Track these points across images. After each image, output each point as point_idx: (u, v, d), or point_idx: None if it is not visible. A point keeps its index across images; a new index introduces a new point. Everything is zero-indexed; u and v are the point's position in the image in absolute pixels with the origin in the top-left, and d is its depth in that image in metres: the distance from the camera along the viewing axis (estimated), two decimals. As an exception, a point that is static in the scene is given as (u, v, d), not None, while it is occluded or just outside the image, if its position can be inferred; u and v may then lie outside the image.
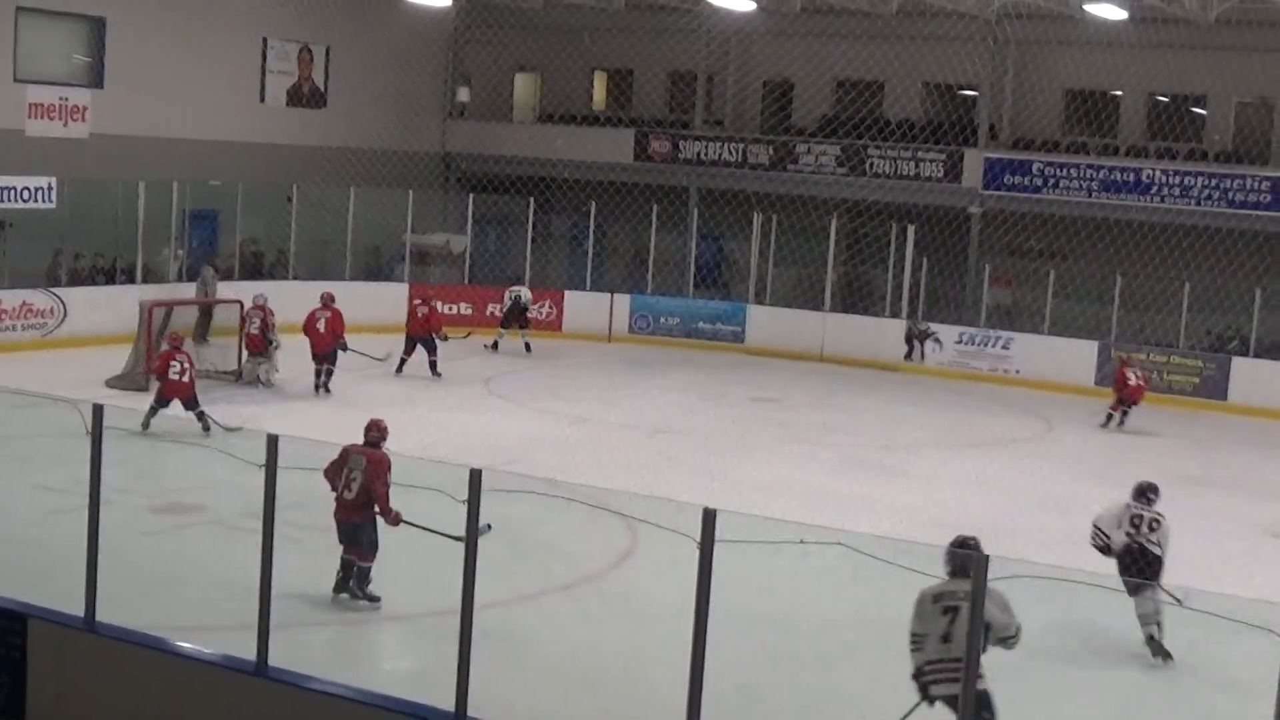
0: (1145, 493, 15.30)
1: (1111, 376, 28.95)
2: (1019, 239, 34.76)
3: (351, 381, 26.81)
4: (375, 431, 14.66)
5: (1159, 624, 14.22)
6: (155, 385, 22.34)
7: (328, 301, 26.88)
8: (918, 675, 10.82)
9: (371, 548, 14.25)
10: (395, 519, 13.97)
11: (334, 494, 14.23)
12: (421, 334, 28.77)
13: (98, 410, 11.18)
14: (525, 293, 33.38)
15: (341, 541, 14.33)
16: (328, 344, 26.57)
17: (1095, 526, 15.35)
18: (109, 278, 31.40)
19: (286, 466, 10.41)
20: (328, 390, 26.45)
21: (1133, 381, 27.79)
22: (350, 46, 38.14)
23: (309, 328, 26.60)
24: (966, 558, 9.90)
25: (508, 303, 33.15)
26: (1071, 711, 13.19)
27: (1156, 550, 14.87)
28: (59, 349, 27.89)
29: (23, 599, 11.49)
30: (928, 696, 10.69)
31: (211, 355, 27.03)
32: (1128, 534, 15.04)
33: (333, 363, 26.64)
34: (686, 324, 35.70)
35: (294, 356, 26.60)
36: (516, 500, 11.41)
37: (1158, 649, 14.14)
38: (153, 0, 33.15)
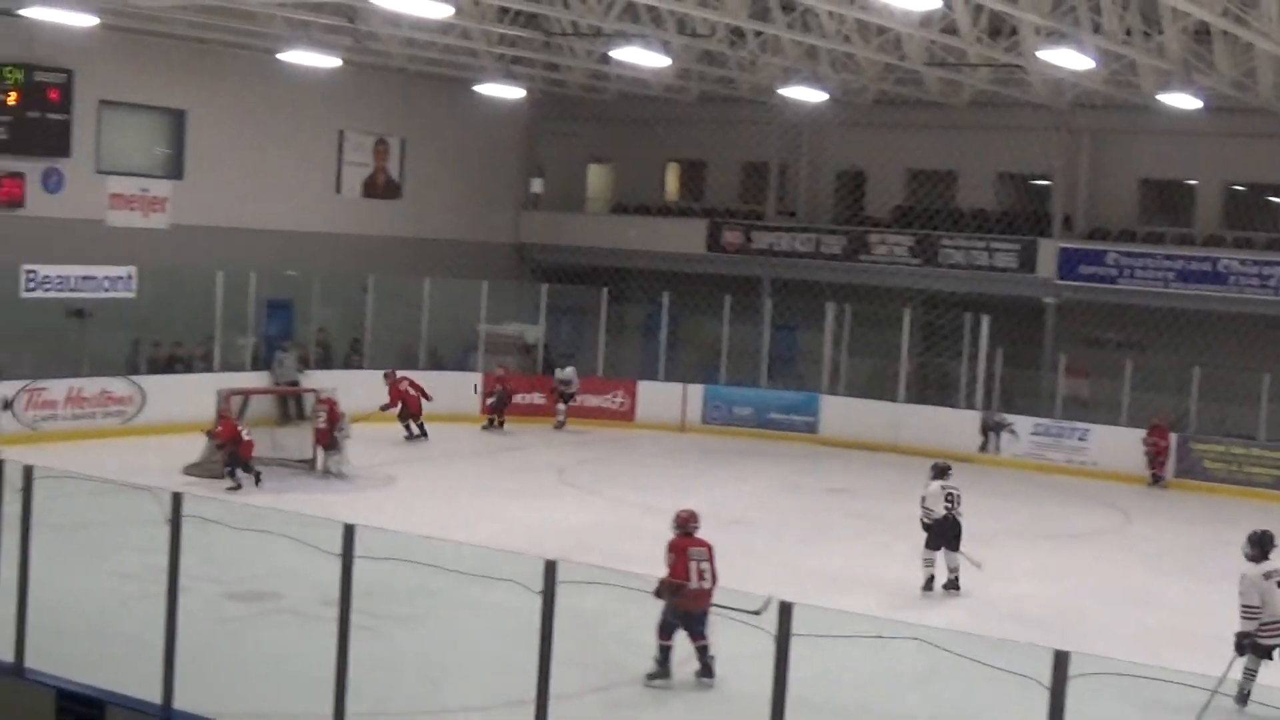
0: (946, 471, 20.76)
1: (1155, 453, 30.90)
2: (1095, 329, 34.57)
3: (420, 472, 26.86)
4: (695, 521, 15.49)
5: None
6: (218, 449, 24.94)
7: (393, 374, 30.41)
8: (1250, 636, 14.91)
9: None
10: None
11: (679, 589, 14.69)
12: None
13: (177, 498, 11.26)
14: (559, 373, 34.75)
15: (687, 629, 14.74)
16: (417, 406, 30.87)
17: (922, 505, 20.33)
18: (186, 366, 31.64)
19: (362, 556, 10.44)
20: (424, 434, 30.63)
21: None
22: (425, 138, 38.49)
23: (400, 396, 30.39)
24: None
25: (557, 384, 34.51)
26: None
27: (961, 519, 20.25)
28: (137, 436, 28.09)
29: (101, 685, 11.55)
30: (1264, 650, 14.91)
31: (289, 442, 27.16)
32: (945, 508, 20.22)
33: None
34: (760, 414, 35.61)
35: (366, 446, 26.71)
36: (590, 591, 11.38)
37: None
38: (232, 93, 33.63)
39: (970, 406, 34.06)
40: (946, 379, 35.54)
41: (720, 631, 14.52)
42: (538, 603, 9.84)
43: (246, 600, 17.24)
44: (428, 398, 31.11)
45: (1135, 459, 31.40)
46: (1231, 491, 28.60)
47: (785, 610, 9.18)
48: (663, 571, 15.14)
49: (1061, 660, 8.67)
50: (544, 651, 9.81)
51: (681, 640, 14.80)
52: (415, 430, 30.80)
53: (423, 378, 32.05)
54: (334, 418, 26.39)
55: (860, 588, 19.88)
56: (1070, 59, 26.01)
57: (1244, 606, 15.17)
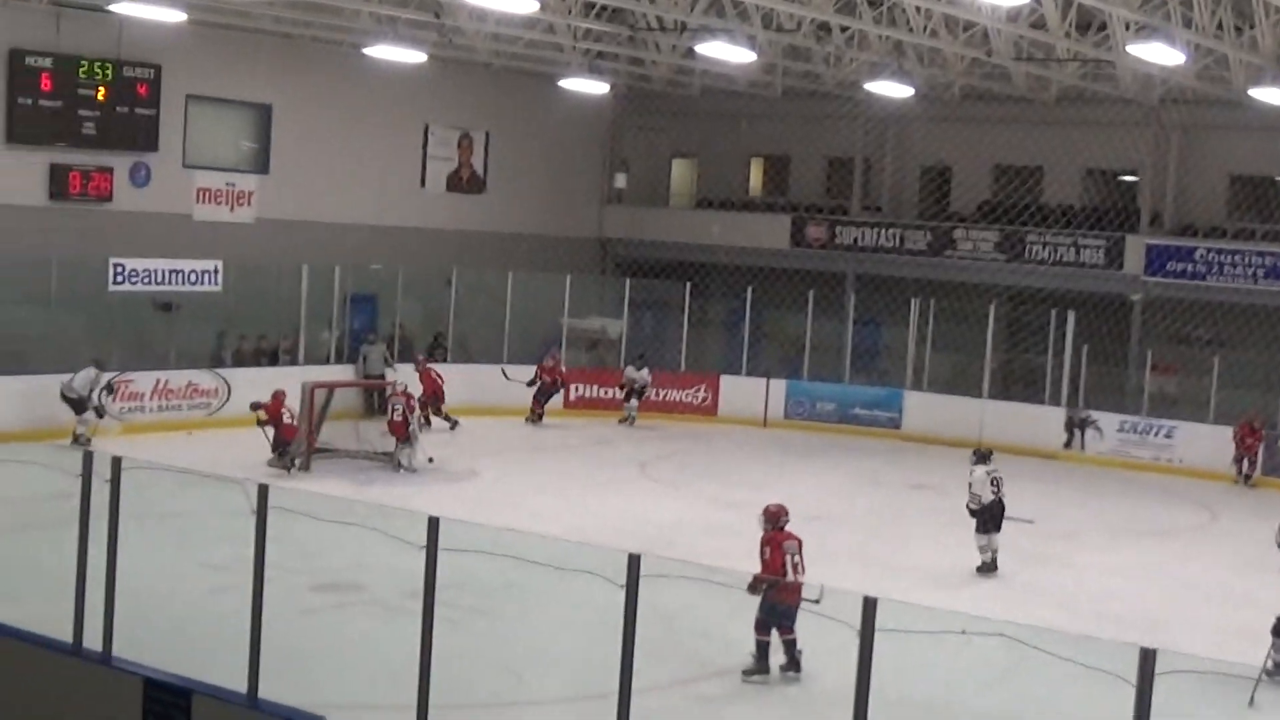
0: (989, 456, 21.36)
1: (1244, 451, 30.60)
2: (1182, 326, 34.24)
3: (503, 465, 26.93)
4: (786, 515, 15.57)
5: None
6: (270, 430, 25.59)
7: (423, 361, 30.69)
8: None
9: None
10: None
11: (768, 582, 14.75)
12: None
13: (263, 490, 11.33)
14: (631, 371, 34.44)
15: (778, 624, 14.76)
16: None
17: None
18: (271, 359, 31.84)
19: (446, 548, 10.47)
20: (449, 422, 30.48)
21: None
22: (509, 133, 38.58)
23: (432, 385, 30.68)
24: None
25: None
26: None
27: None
28: (223, 428, 28.27)
29: (187, 674, 11.63)
30: None
31: (372, 435, 27.24)
32: (993, 493, 20.86)
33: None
34: (842, 409, 35.49)
35: (449, 438, 26.78)
36: (674, 585, 11.38)
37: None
38: (317, 88, 33.80)
39: (1055, 403, 33.82)
40: (1031, 375, 35.30)
41: (802, 625, 14.50)
42: (620, 596, 9.84)
43: (331, 591, 17.34)
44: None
45: (1222, 457, 31.08)
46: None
47: (869, 605, 9.14)
48: (747, 566, 15.14)
49: (1148, 658, 8.59)
50: (626, 645, 9.81)
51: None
52: (442, 420, 30.86)
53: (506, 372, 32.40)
54: (409, 411, 26.49)
55: (943, 584, 19.79)
56: (1160, 54, 25.75)
57: None
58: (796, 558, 15.08)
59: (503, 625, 16.20)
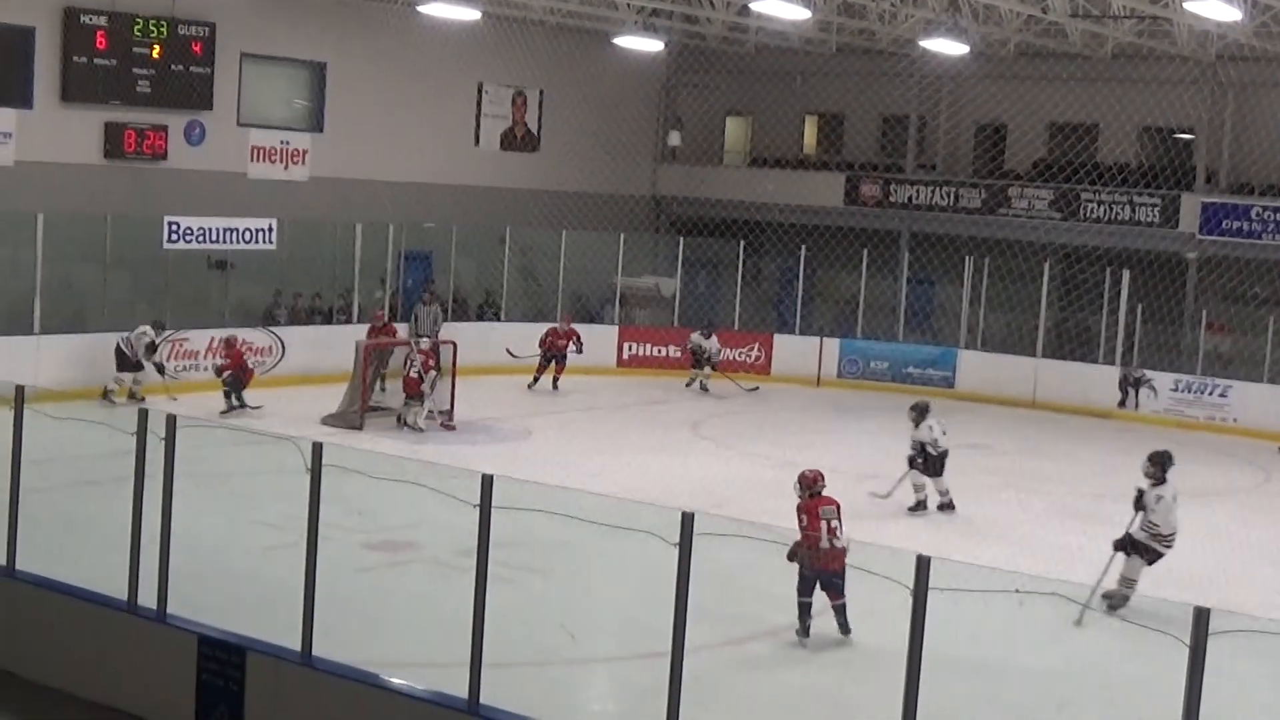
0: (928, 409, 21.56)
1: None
2: (1238, 285, 34.01)
3: (556, 424, 26.98)
4: (822, 481, 15.47)
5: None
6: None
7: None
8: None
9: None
10: None
11: (816, 551, 14.69)
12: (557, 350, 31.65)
13: (317, 448, 11.39)
14: (698, 339, 33.67)
15: (826, 589, 14.75)
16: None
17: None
18: (326, 318, 31.96)
19: (500, 506, 10.51)
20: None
21: None
22: (563, 91, 38.54)
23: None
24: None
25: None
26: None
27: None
28: (277, 387, 28.38)
29: (242, 632, 11.73)
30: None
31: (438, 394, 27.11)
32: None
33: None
34: (896, 368, 35.43)
35: (501, 395, 26.81)
36: (727, 544, 11.39)
37: None
38: (371, 46, 33.78)
39: (1109, 362, 33.71)
40: (1086, 334, 35.16)
41: (856, 585, 14.50)
42: (673, 555, 9.86)
43: (385, 550, 17.43)
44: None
45: (1278, 416, 30.94)
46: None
47: (923, 564, 9.14)
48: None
49: (1202, 617, 8.58)
50: (679, 604, 9.84)
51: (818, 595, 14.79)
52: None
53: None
54: (426, 369, 26.35)
55: (997, 543, 19.77)
56: (1217, 10, 25.62)
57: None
58: (835, 522, 15.00)
59: (556, 584, 16.27)
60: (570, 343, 31.92)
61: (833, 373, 35.61)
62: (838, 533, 14.91)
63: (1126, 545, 16.83)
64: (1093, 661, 14.11)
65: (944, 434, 22.11)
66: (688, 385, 33.26)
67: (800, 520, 15.01)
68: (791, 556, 14.40)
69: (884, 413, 31.43)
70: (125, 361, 26.38)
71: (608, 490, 14.94)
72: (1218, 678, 8.72)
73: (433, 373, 26.37)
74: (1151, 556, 16.83)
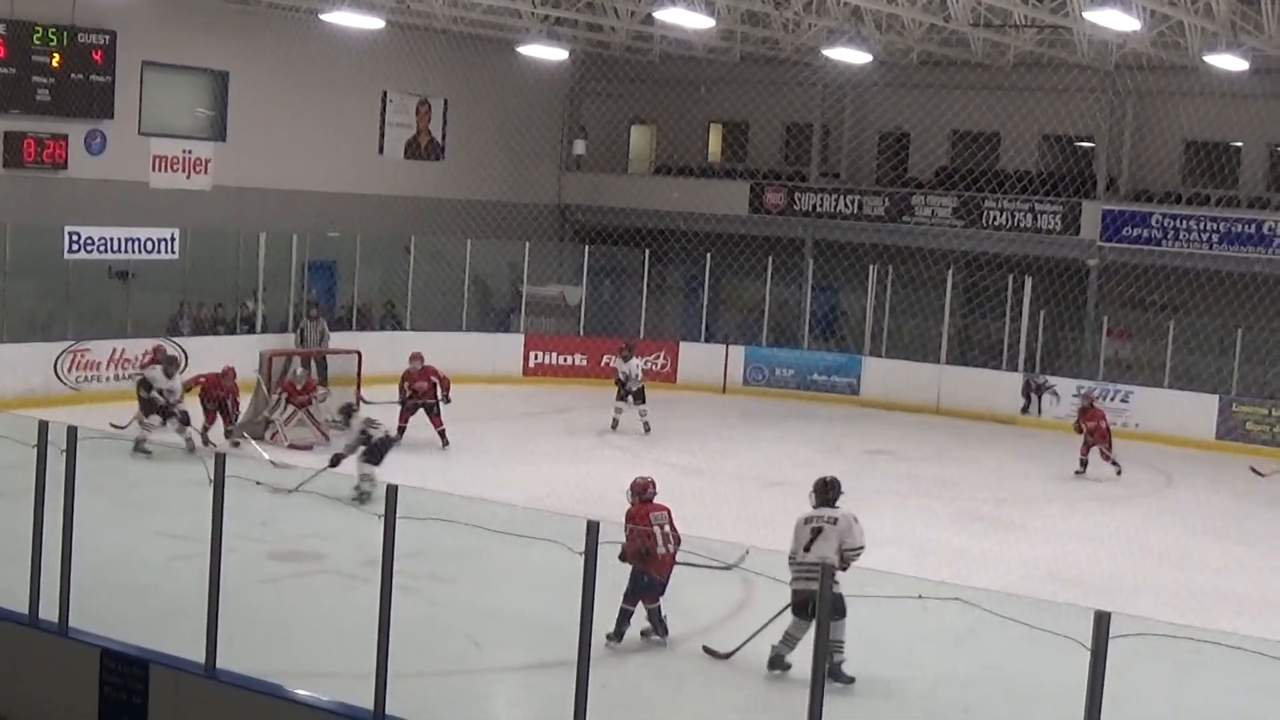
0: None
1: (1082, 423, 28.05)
2: (1138, 291, 34.37)
3: (462, 433, 26.86)
4: (653, 488, 15.42)
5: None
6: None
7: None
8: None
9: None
10: None
11: (645, 555, 14.49)
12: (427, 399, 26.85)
13: (220, 458, 11.33)
14: (619, 364, 29.95)
15: (647, 592, 14.56)
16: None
17: None
18: (229, 328, 31.73)
19: (405, 516, 10.49)
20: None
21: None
22: (468, 100, 38.45)
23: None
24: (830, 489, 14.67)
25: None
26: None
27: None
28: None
29: (145, 644, 11.64)
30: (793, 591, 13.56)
31: (320, 406, 26.69)
32: None
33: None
34: (801, 376, 35.59)
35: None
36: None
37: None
38: (274, 55, 33.56)
39: (1012, 368, 34.02)
40: (989, 340, 35.48)
41: (762, 591, 14.52)
42: (579, 564, 9.88)
43: (290, 560, 17.32)
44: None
45: (1177, 421, 31.35)
46: (1274, 454, 28.44)
47: (827, 570, 9.20)
48: (707, 532, 15.17)
49: (1103, 621, 8.68)
50: (585, 613, 9.86)
51: (722, 606, 14.81)
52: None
53: (465, 339, 32.26)
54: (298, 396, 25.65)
55: (901, 548, 19.86)
56: (1116, 20, 25.84)
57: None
58: (666, 528, 14.84)
59: (462, 593, 16.23)
60: (429, 384, 26.86)
61: (739, 380, 35.73)
62: (669, 539, 14.79)
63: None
64: (996, 665, 14.22)
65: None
66: (613, 428, 29.48)
67: (628, 527, 14.81)
68: (623, 558, 14.26)
69: (790, 420, 31.69)
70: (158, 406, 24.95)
71: (515, 499, 14.94)
72: (1119, 679, 8.83)
73: (322, 390, 26.19)
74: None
